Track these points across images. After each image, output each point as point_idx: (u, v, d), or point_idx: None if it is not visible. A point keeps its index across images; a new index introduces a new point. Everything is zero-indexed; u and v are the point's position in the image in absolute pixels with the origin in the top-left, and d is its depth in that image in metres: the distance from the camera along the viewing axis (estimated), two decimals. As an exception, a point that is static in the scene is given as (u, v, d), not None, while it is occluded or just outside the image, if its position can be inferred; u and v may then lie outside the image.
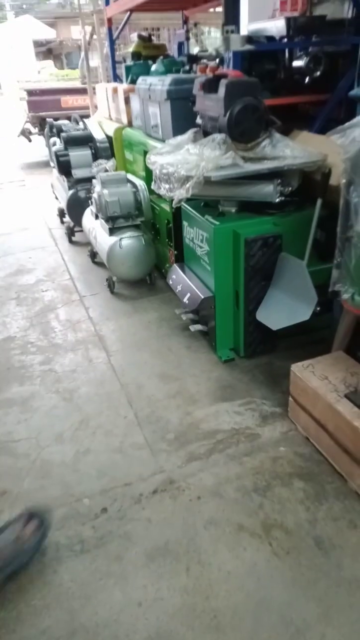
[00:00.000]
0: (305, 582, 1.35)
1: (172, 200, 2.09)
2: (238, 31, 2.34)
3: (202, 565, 1.40)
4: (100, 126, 4.16)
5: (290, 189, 2.07)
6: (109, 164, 3.57)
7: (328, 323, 2.14)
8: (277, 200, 2.06)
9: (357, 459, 1.52)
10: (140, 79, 3.13)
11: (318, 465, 1.69)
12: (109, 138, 3.88)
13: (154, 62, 3.44)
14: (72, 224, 3.94)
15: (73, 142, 3.87)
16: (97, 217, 3.12)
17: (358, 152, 1.45)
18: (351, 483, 1.59)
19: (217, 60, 2.98)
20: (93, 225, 3.21)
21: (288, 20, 2.60)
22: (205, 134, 2.25)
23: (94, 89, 6.13)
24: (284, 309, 2.01)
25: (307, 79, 2.53)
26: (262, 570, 1.38)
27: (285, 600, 1.31)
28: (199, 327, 2.37)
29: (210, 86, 2.17)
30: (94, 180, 3.17)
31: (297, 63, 2.57)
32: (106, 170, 3.45)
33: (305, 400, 1.77)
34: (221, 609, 1.30)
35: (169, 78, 2.66)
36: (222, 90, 2.03)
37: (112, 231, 2.89)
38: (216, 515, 1.54)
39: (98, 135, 3.96)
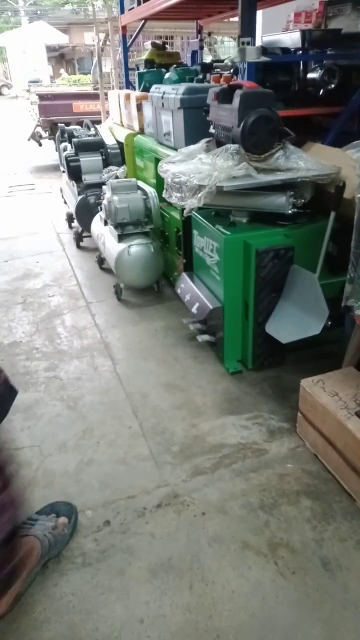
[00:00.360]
0: (310, 603, 1.33)
1: (182, 208, 2.09)
2: (254, 43, 2.35)
3: (205, 582, 1.39)
4: (111, 132, 4.19)
5: (302, 201, 2.07)
6: (120, 170, 3.59)
7: (339, 337, 2.12)
8: (290, 211, 2.06)
9: (367, 479, 1.50)
10: (153, 87, 3.15)
11: (326, 484, 1.67)
12: (120, 144, 3.91)
13: (167, 70, 3.47)
14: (80, 229, 3.95)
15: (84, 147, 3.89)
16: (106, 223, 3.13)
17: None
18: (359, 503, 1.57)
19: (232, 70, 3.00)
20: (102, 231, 3.22)
21: (303, 33, 2.61)
22: (219, 143, 2.26)
23: (106, 94, 6.19)
24: (294, 322, 2.00)
25: (321, 91, 2.54)
26: (267, 590, 1.36)
27: (290, 621, 1.29)
28: (206, 337, 2.37)
29: (225, 96, 2.18)
30: (104, 187, 3.19)
31: (311, 75, 2.58)
32: (117, 177, 3.47)
33: (314, 417, 1.75)
34: (224, 628, 1.28)
35: (182, 87, 2.68)
36: (236, 101, 2.04)
37: (121, 238, 2.90)
38: (221, 532, 1.52)
39: (109, 141, 3.99)
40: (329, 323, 1.94)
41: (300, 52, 2.62)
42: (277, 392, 2.13)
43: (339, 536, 1.49)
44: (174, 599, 1.35)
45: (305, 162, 2.05)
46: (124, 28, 4.59)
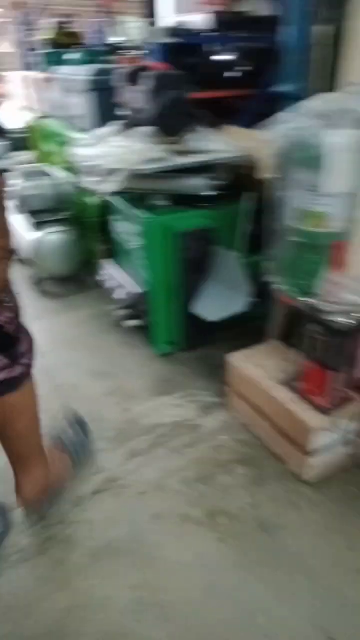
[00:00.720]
0: (252, 564, 1.43)
1: (99, 193, 2.09)
2: (158, 24, 2.40)
3: (149, 559, 1.44)
4: (14, 116, 4.04)
5: (221, 182, 2.16)
6: (26, 156, 3.49)
7: (264, 313, 2.25)
8: (208, 193, 2.14)
9: (294, 441, 1.64)
10: (59, 68, 3.10)
11: (258, 451, 1.79)
12: (24, 129, 3.78)
13: (71, 50, 3.41)
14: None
15: (-15, 132, 3.72)
16: (19, 211, 3.03)
17: (285, 147, 1.57)
18: (289, 464, 1.71)
19: (141, 51, 3.03)
20: (14, 220, 3.11)
21: (212, 15, 2.71)
22: (131, 126, 2.28)
23: (6, 76, 5.91)
24: (220, 301, 2.11)
25: (233, 74, 2.65)
26: (210, 558, 1.44)
27: (234, 584, 1.38)
28: (134, 322, 2.40)
29: (136, 78, 2.20)
30: (11, 174, 3.08)
31: (222, 57, 2.68)
32: (23, 163, 3.37)
33: (243, 389, 1.87)
34: (171, 600, 1.34)
35: (91, 68, 2.67)
36: (148, 83, 2.07)
37: (36, 226, 2.83)
38: (161, 508, 1.58)
39: (11, 125, 3.85)
40: (254, 300, 2.06)
41: (210, 34, 2.71)
42: (208, 370, 2.23)
43: (273, 498, 1.61)
44: (118, 580, 1.38)
45: (220, 144, 2.15)
46: (20, 4, 4.43)
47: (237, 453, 1.78)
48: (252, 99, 2.54)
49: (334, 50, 1.52)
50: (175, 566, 1.42)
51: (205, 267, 2.16)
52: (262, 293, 2.11)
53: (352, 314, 1.43)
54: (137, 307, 2.39)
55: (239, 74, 2.60)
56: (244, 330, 2.39)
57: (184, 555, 1.45)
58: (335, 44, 1.52)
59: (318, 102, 1.48)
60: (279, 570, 1.41)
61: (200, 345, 2.35)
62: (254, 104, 2.50)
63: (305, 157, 1.44)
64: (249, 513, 1.57)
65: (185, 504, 1.59)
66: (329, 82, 1.56)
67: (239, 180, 2.20)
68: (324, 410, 1.58)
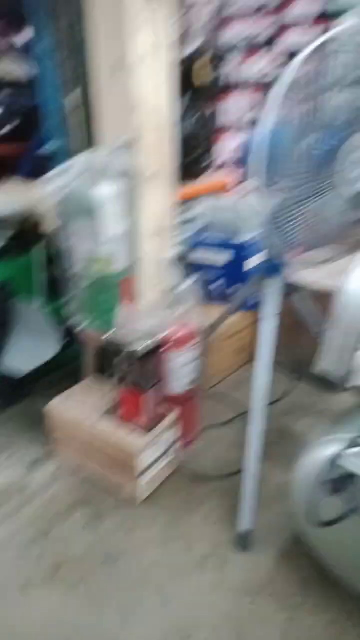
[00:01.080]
0: (102, 599, 1.46)
1: None
2: None
3: (-5, 639, 1.36)
4: None
5: (6, 235, 2.21)
6: None
7: (77, 354, 2.34)
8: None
9: (124, 467, 1.75)
10: None
11: (92, 489, 1.84)
12: None
13: None
14: None
15: None
16: None
17: (60, 201, 1.72)
18: (123, 492, 1.81)
19: None
20: None
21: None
22: None
23: None
24: (28, 351, 2.13)
25: (4, 129, 2.74)
26: (60, 612, 1.43)
27: (87, 625, 1.39)
28: None
29: None
30: None
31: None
32: None
33: (67, 432, 1.92)
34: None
35: None
36: None
37: None
38: (-2, 583, 1.51)
39: None
40: (64, 343, 2.14)
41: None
42: (30, 423, 2.19)
43: (113, 528, 1.68)
44: None
45: None
46: None
47: (72, 498, 1.80)
48: (24, 155, 2.67)
49: (86, 112, 1.75)
50: (25, 636, 1.37)
51: (6, 322, 2.17)
52: (71, 335, 2.22)
53: (147, 339, 1.64)
54: None
55: (7, 130, 2.69)
56: (61, 375, 2.44)
57: (32, 622, 1.40)
58: (86, 106, 1.74)
59: (82, 159, 1.68)
60: (128, 593, 1.48)
61: (18, 400, 2.32)
62: (27, 161, 2.63)
63: (79, 209, 1.63)
64: (92, 551, 1.61)
65: (25, 569, 1.54)
66: (88, 141, 1.77)
67: (27, 232, 2.28)
68: (144, 430, 1.74)
